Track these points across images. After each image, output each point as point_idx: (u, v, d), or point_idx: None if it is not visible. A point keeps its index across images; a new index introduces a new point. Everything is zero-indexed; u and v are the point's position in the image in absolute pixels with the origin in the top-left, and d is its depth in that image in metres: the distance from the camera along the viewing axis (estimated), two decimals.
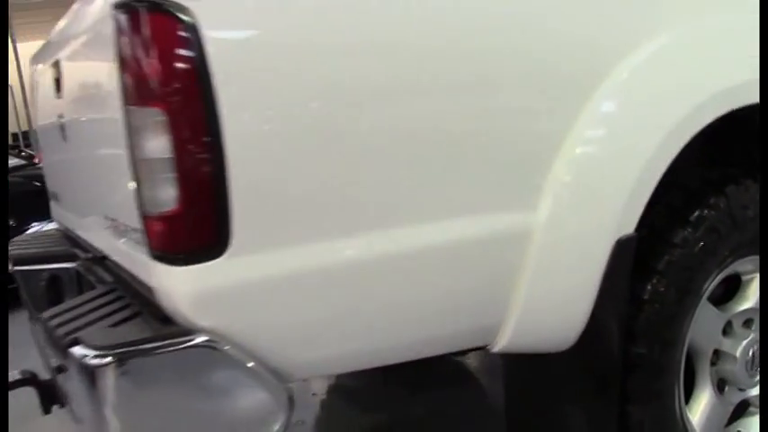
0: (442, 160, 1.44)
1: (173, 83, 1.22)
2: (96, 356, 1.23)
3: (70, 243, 2.41)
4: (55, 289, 2.31)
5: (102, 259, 1.99)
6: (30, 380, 2.10)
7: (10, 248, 2.48)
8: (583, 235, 1.61)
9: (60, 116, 1.97)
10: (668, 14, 1.67)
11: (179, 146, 1.23)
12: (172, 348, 1.25)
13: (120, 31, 1.27)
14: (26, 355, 2.31)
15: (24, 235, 2.66)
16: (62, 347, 1.33)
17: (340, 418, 3.16)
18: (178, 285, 1.28)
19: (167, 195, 1.26)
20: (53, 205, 2.56)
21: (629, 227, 1.63)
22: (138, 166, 1.29)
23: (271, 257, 1.31)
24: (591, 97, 1.57)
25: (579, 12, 1.58)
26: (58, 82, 1.94)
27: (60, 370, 1.55)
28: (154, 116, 1.24)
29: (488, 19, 1.47)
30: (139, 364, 1.25)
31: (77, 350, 1.26)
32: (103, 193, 1.68)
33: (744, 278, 1.97)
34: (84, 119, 1.77)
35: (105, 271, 1.90)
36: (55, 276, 2.31)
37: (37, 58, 2.47)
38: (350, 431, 2.99)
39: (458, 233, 1.48)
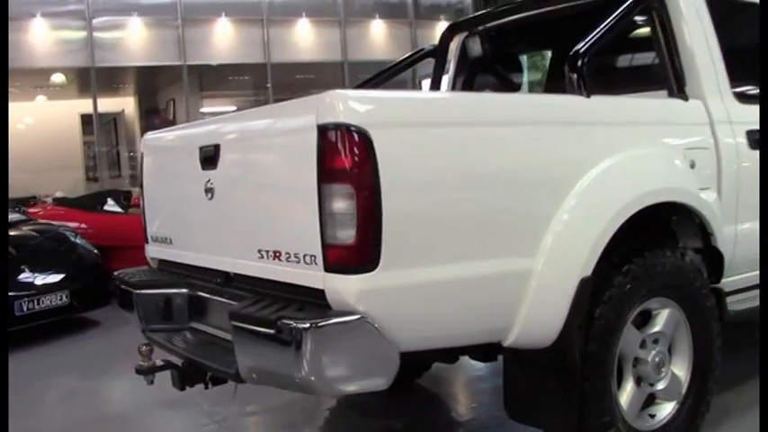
0: (493, 225, 2.49)
1: (359, 168, 2.22)
2: (310, 323, 2.18)
3: (174, 275, 3.30)
4: (167, 308, 3.19)
5: (228, 281, 2.91)
6: (169, 364, 2.98)
7: (124, 277, 3.35)
8: (561, 275, 2.65)
9: (208, 182, 2.89)
10: (610, 149, 2.79)
11: (359, 205, 2.22)
12: (348, 319, 2.22)
13: (326, 139, 2.25)
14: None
15: (128, 269, 3.50)
16: (271, 321, 2.27)
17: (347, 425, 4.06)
18: (348, 286, 2.25)
19: (347, 234, 2.24)
20: (159, 248, 3.44)
21: (588, 271, 2.68)
22: (327, 216, 2.26)
23: (400, 273, 2.30)
24: (567, 195, 2.65)
25: (565, 153, 2.70)
26: (212, 159, 2.87)
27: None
28: (345, 189, 2.23)
29: (515, 160, 2.61)
30: (331, 329, 2.21)
31: (293, 321, 2.21)
32: (263, 237, 2.61)
33: (653, 312, 3.02)
34: (248, 187, 2.72)
35: (236, 288, 2.83)
36: (168, 298, 3.19)
37: (156, 144, 3.44)
38: None
39: (497, 268, 2.52)
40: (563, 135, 2.75)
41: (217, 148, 2.84)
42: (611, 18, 3.14)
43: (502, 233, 2.55)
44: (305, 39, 15.60)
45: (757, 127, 3.47)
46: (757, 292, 3.64)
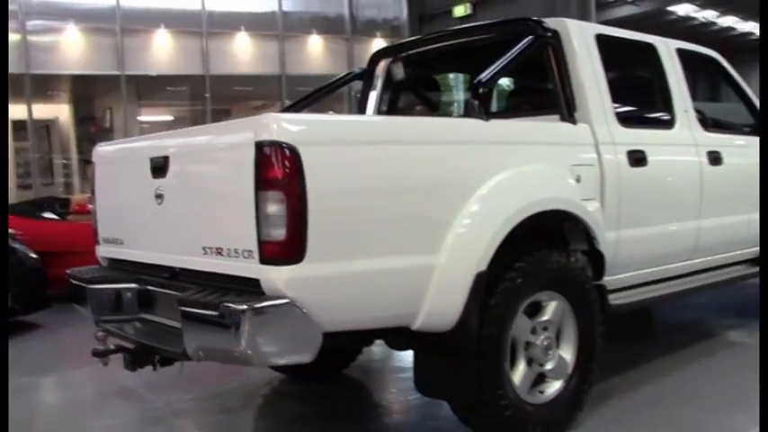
0: (401, 227, 2.98)
1: (288, 178, 2.69)
2: (246, 306, 2.64)
3: (125, 272, 3.71)
4: (118, 300, 3.60)
5: (175, 276, 3.34)
6: (122, 348, 3.39)
7: (77, 274, 3.76)
8: (460, 269, 3.15)
9: (158, 188, 3.32)
10: (504, 165, 3.32)
11: (289, 209, 2.68)
12: (279, 302, 2.68)
13: (262, 153, 2.72)
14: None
15: (80, 268, 3.89)
16: (214, 305, 2.71)
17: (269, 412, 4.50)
18: (279, 275, 2.71)
19: (279, 232, 2.70)
20: (110, 248, 3.85)
21: (483, 267, 3.19)
22: (262, 218, 2.72)
23: (323, 265, 2.77)
24: (469, 199, 3.15)
25: (465, 168, 3.21)
26: (161, 168, 3.30)
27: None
28: (277, 195, 2.69)
29: (422, 173, 3.10)
30: (265, 310, 2.66)
31: (232, 305, 2.66)
32: (207, 236, 3.05)
33: (543, 303, 3.55)
34: (194, 193, 3.16)
35: (182, 282, 3.26)
36: (118, 292, 3.60)
37: (108, 154, 3.85)
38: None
39: (404, 263, 3.00)
40: (463, 152, 3.26)
41: (166, 159, 3.27)
42: (512, 52, 3.69)
43: (409, 234, 3.03)
44: (243, 52, 15.99)
45: (637, 147, 4.05)
46: (638, 290, 4.24)
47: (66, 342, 6.64)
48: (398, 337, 3.27)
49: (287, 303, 2.69)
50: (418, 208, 3.07)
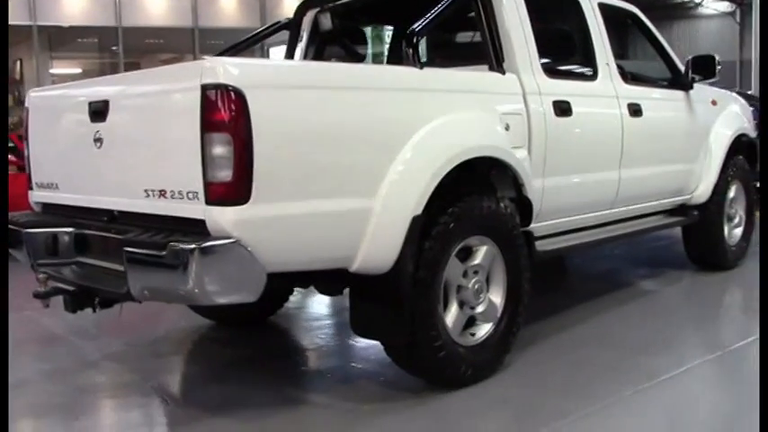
0: (339, 171, 3.08)
1: (235, 121, 2.74)
2: (195, 245, 2.70)
3: (59, 216, 3.70)
4: (54, 244, 3.60)
5: (113, 219, 3.36)
6: (62, 290, 3.40)
7: (12, 219, 3.73)
8: (396, 212, 3.25)
9: (97, 132, 3.32)
10: (438, 112, 3.44)
11: (236, 151, 2.74)
12: (226, 242, 2.75)
13: (208, 97, 2.76)
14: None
15: (14, 213, 3.85)
16: (162, 245, 2.76)
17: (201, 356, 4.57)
18: (225, 216, 2.77)
19: (225, 174, 2.76)
20: (44, 193, 3.83)
21: (418, 211, 3.30)
22: (209, 159, 2.77)
23: (268, 207, 2.84)
24: (404, 146, 3.26)
25: (400, 114, 3.32)
26: (101, 113, 3.30)
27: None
28: (224, 137, 2.75)
29: (358, 118, 3.19)
30: (212, 249, 2.73)
31: (180, 244, 2.71)
32: (149, 178, 3.08)
33: (473, 248, 3.69)
34: (136, 137, 3.17)
35: (120, 225, 3.29)
36: (54, 236, 3.60)
37: (43, 100, 3.81)
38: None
39: (342, 206, 3.10)
40: (399, 99, 3.36)
41: (106, 103, 3.27)
42: (443, 2, 3.78)
43: (346, 178, 3.11)
44: (156, 3, 15.64)
45: (562, 98, 4.21)
46: (562, 237, 4.44)
47: None
48: (336, 279, 3.35)
49: (233, 243, 2.76)
50: (356, 153, 3.15)
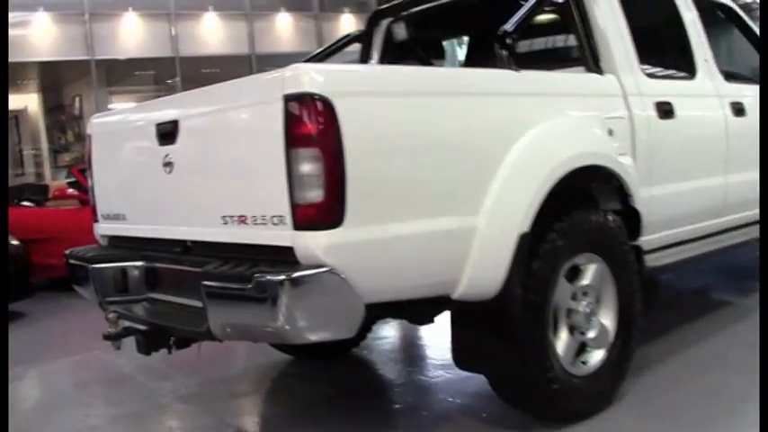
0: (441, 187, 2.75)
1: (323, 134, 2.42)
2: (284, 276, 2.37)
3: (128, 249, 3.43)
4: (124, 280, 3.32)
5: (187, 251, 3.06)
6: (134, 329, 3.11)
7: (77, 254, 3.46)
8: (503, 230, 2.90)
9: (167, 156, 3.03)
10: (539, 118, 3.09)
11: (326, 167, 2.42)
12: (318, 271, 2.42)
13: (291, 108, 2.44)
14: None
15: (78, 248, 3.59)
16: (246, 277, 2.44)
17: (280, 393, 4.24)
18: (317, 241, 2.44)
19: (315, 194, 2.43)
20: (111, 225, 3.55)
21: (525, 227, 2.94)
22: (296, 179, 2.45)
23: (363, 229, 2.51)
24: (506, 155, 2.92)
25: (500, 121, 2.99)
26: (169, 135, 3.01)
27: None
28: (312, 153, 2.42)
29: (459, 126, 2.87)
30: (304, 280, 2.40)
31: (267, 275, 2.39)
32: (227, 204, 2.77)
33: (581, 267, 3.31)
34: (210, 158, 2.87)
35: (196, 256, 2.99)
36: (123, 271, 3.32)
37: (105, 125, 3.56)
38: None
39: (445, 225, 2.76)
40: (500, 105, 3.03)
41: (175, 124, 2.98)
42: (531, 3, 3.43)
43: (448, 194, 2.79)
44: (212, 32, 15.65)
45: (664, 99, 3.82)
46: (671, 250, 4.02)
47: (53, 330, 6.35)
48: (434, 307, 3.01)
49: (327, 271, 2.43)
50: (456, 165, 2.83)
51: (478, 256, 2.84)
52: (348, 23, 17.15)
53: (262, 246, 2.63)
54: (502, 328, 3.00)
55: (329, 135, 2.43)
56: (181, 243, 3.10)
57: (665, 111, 3.84)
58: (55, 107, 17.06)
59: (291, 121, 2.45)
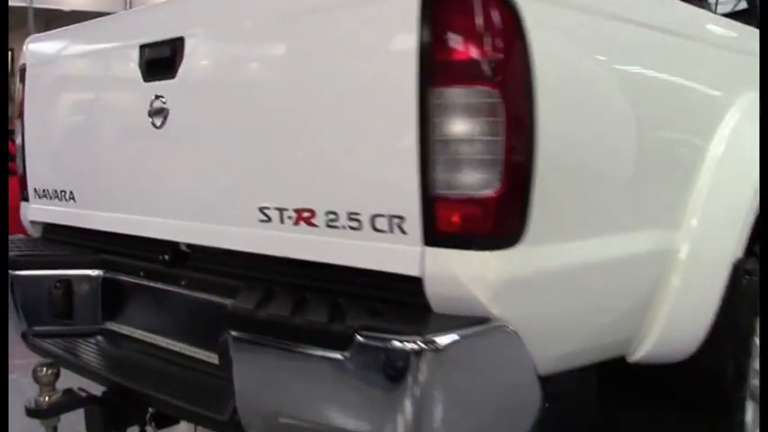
0: (647, 176, 1.60)
1: (506, 60, 1.22)
2: (422, 341, 1.16)
3: (75, 248, 2.18)
4: (67, 298, 2.07)
5: (179, 258, 1.84)
6: (80, 399, 1.85)
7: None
8: (711, 254, 1.75)
9: (157, 100, 1.78)
10: (746, 85, 1.94)
11: (509, 129, 1.21)
12: (484, 329, 1.23)
13: (440, 6, 1.24)
14: None
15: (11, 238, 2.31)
16: (344, 335, 1.23)
17: None
18: (478, 271, 1.24)
19: (481, 179, 1.23)
20: (49, 207, 2.27)
21: (740, 251, 1.80)
22: (437, 146, 1.24)
23: (546, 250, 1.32)
24: (713, 138, 1.77)
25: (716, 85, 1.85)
26: (165, 63, 1.76)
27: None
28: (480, 96, 1.21)
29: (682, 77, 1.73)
30: (454, 349, 1.19)
31: (393, 338, 1.18)
32: (270, 186, 1.55)
33: None
34: (241, 99, 1.62)
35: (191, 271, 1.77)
36: (67, 284, 2.07)
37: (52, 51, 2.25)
38: None
39: (638, 245, 1.60)
40: (716, 61, 1.89)
41: (176, 44, 1.74)
42: None
43: (652, 191, 1.63)
44: None
45: None
46: None
47: None
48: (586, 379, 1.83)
49: (497, 328, 1.25)
50: (667, 144, 1.68)
51: (678, 293, 1.67)
52: None
53: (338, 267, 1.41)
54: (698, 404, 1.84)
55: (514, 66, 1.23)
56: (169, 245, 1.85)
57: None
58: None
59: (438, 31, 1.24)
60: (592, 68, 1.45)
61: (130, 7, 13.23)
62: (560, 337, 1.43)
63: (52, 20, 13.54)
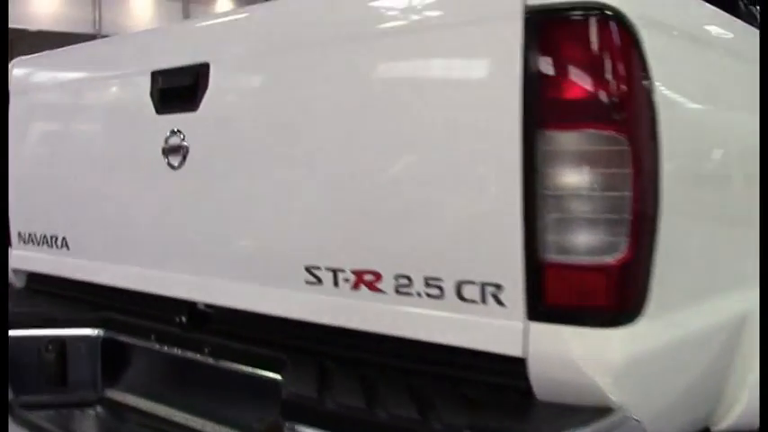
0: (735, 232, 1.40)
1: (636, 101, 1.01)
2: None
3: (69, 302, 1.93)
4: (60, 363, 1.82)
5: (200, 319, 1.60)
6: None
7: None
8: None
9: (173, 135, 1.55)
10: None
11: (636, 181, 1.00)
12: (611, 422, 1.02)
13: (548, 33, 1.03)
14: None
15: None
16: None
17: None
18: (598, 351, 1.03)
19: (601, 242, 1.02)
20: (37, 254, 2.00)
21: None
22: (545, 201, 1.03)
23: (667, 323, 1.11)
24: None
25: None
26: (186, 92, 1.53)
27: None
28: (602, 142, 1.00)
29: None
30: None
31: None
32: (323, 239, 1.32)
33: None
34: (291, 143, 1.38)
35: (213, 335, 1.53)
36: (62, 345, 1.82)
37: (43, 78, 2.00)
38: None
39: (732, 308, 1.39)
40: None
41: (199, 71, 1.50)
42: None
43: (750, 239, 1.43)
44: (142, 6, 13.87)
45: None
46: None
47: None
48: None
49: (627, 421, 1.06)
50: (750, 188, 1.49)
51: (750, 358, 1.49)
52: None
53: (401, 339, 1.19)
54: None
55: (641, 103, 1.03)
56: (185, 304, 1.61)
57: None
58: None
59: (549, 61, 1.04)
60: (708, 106, 1.25)
61: (100, 28, 12.92)
62: (672, 416, 1.22)
63: (16, 40, 13.17)
